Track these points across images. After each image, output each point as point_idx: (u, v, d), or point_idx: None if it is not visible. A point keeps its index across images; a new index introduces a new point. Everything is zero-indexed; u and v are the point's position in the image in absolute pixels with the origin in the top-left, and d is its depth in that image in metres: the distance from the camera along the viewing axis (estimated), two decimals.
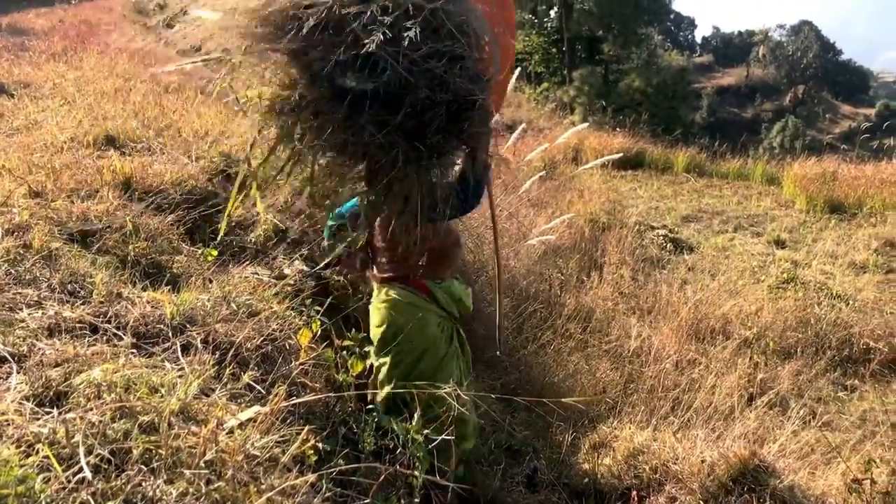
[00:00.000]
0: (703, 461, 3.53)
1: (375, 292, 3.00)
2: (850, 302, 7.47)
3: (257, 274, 3.10)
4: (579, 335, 5.90)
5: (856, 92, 52.93)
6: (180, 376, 1.66)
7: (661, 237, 10.16)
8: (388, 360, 2.91)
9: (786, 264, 9.15)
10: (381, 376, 2.93)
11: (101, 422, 1.38)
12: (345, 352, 2.12)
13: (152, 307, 2.02)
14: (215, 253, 3.08)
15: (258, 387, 1.73)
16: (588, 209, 9.93)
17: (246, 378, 1.76)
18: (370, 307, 3.00)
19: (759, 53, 52.74)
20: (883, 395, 5.74)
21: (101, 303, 1.98)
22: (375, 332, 2.94)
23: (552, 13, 44.03)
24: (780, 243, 10.48)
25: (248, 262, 3.20)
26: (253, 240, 3.51)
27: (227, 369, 1.78)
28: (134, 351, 1.77)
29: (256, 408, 1.55)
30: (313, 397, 1.65)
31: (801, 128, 37.17)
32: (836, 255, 9.72)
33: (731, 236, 11.00)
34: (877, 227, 10.55)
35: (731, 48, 56.26)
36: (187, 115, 4.89)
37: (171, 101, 5.28)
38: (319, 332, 2.10)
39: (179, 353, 1.81)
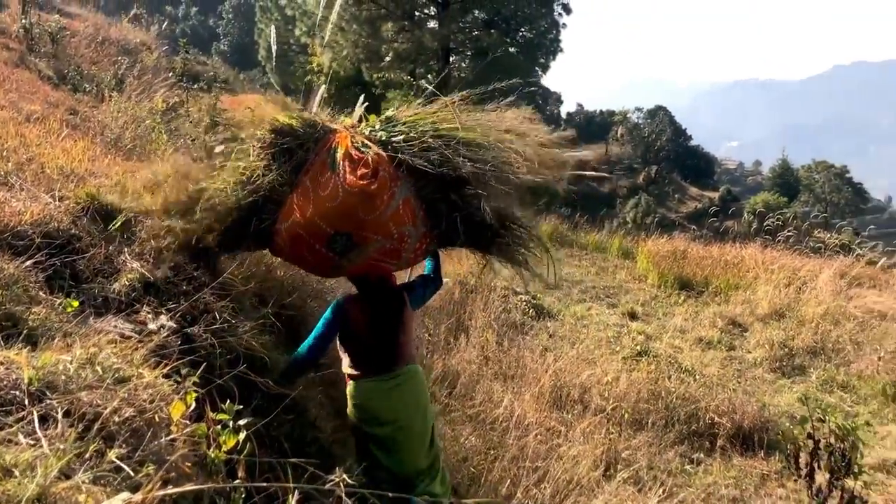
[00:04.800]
0: None
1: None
2: (697, 377, 7.87)
3: (118, 328, 2.92)
4: (444, 399, 5.90)
5: (702, 176, 56.69)
6: (37, 455, 1.50)
7: (525, 303, 10.40)
8: None
9: (639, 336, 9.58)
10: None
11: None
12: (218, 426, 1.99)
13: (6, 369, 1.83)
14: (76, 304, 2.86)
15: (126, 468, 1.59)
16: (457, 271, 10.05)
17: (112, 456, 1.61)
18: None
19: (618, 133, 55.79)
20: (726, 470, 6.05)
21: None
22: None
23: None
24: (633, 316, 10.97)
25: (111, 315, 3.00)
26: (116, 289, 3.29)
27: (92, 445, 1.63)
28: None
29: (126, 494, 1.42)
30: (192, 487, 1.52)
31: (652, 205, 39.63)
32: (684, 330, 10.28)
33: (589, 306, 11.42)
34: (721, 306, 11.25)
35: (593, 125, 58.90)
36: (52, 149, 4.56)
37: (33, 131, 4.92)
38: (193, 405, 1.96)
39: (37, 426, 1.64)
